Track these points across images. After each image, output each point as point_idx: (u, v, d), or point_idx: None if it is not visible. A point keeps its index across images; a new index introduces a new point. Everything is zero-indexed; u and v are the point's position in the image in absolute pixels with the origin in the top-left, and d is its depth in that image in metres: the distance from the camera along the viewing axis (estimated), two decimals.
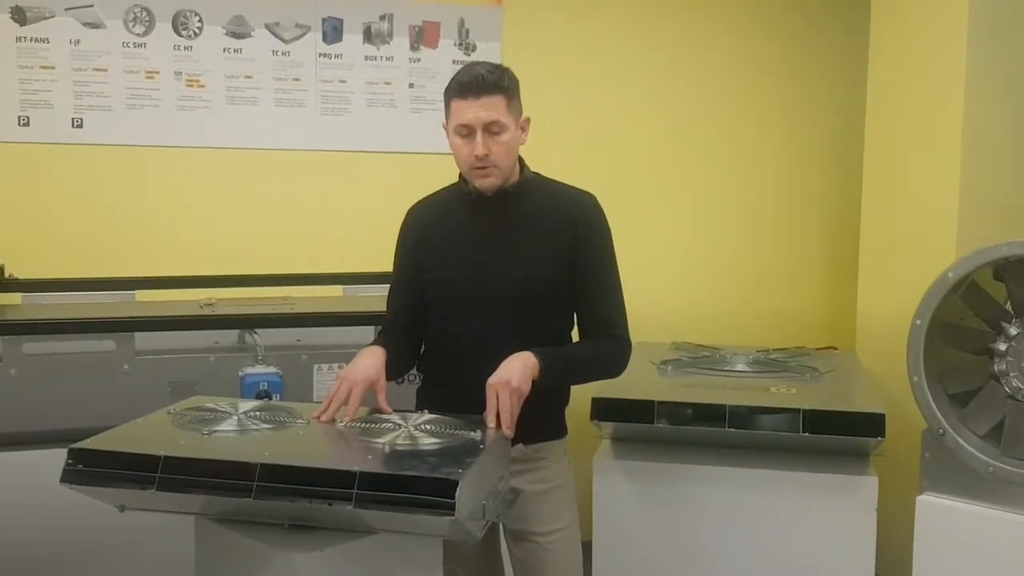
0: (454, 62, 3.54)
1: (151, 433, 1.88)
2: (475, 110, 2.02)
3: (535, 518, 2.13)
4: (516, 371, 1.95)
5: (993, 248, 2.42)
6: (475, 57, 3.55)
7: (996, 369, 2.43)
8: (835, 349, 3.54)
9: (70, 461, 1.71)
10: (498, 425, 1.92)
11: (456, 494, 1.57)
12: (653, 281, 3.73)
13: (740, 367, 3.13)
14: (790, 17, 3.89)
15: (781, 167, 3.95)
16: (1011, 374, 2.41)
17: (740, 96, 3.89)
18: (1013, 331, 2.41)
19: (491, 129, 2.03)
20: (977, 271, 2.45)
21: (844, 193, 3.85)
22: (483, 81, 2.03)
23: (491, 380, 1.95)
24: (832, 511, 2.63)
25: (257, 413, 2.00)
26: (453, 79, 2.08)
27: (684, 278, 3.86)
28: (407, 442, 1.83)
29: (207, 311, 2.87)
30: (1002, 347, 2.42)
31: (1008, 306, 2.46)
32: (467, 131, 2.04)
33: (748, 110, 3.90)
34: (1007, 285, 2.45)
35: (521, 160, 2.16)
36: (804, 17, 3.90)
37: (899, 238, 3.29)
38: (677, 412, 2.67)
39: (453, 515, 1.57)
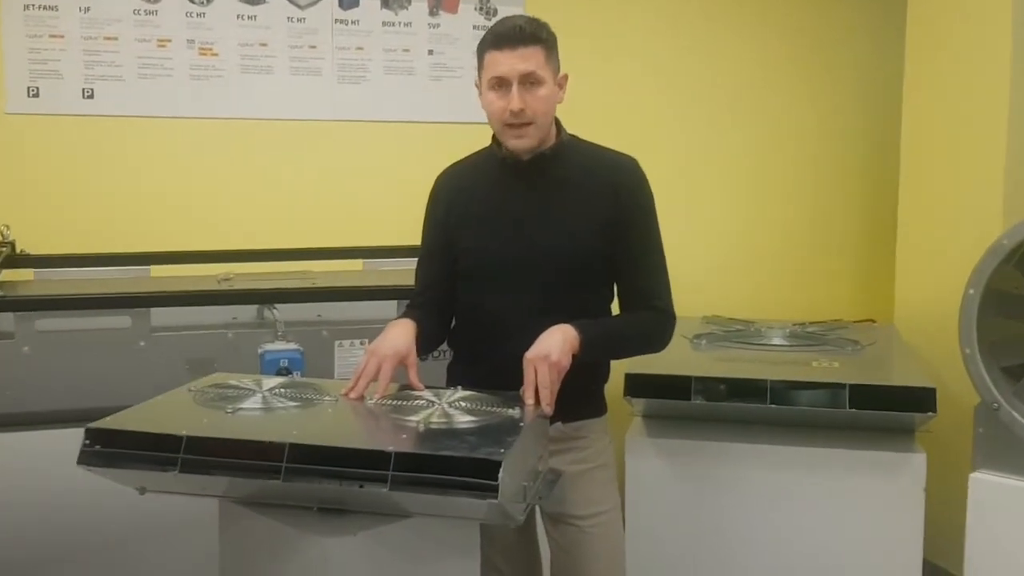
0: (475, 28, 3.42)
1: (172, 412, 1.78)
2: (512, 61, 1.91)
3: (575, 501, 2.02)
4: (555, 344, 1.85)
5: None
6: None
7: None
8: (873, 322, 3.42)
9: (87, 442, 1.61)
10: (537, 402, 1.82)
11: (499, 475, 1.47)
12: (681, 253, 3.60)
13: (777, 340, 3.03)
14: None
15: (816, 133, 3.81)
16: None
17: (776, 64, 3.76)
18: None
19: (528, 81, 1.92)
20: None
21: (881, 161, 3.71)
22: (521, 31, 1.92)
23: (529, 354, 1.84)
24: (878, 490, 2.52)
25: (282, 390, 1.90)
26: (488, 31, 1.98)
27: (711, 250, 3.74)
28: (442, 420, 1.73)
29: (224, 286, 2.82)
30: None
31: None
32: (502, 84, 1.93)
33: (783, 78, 3.77)
34: None
35: (558, 122, 2.04)
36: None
37: (940, 207, 3.17)
38: (715, 388, 2.57)
39: (496, 498, 1.47)
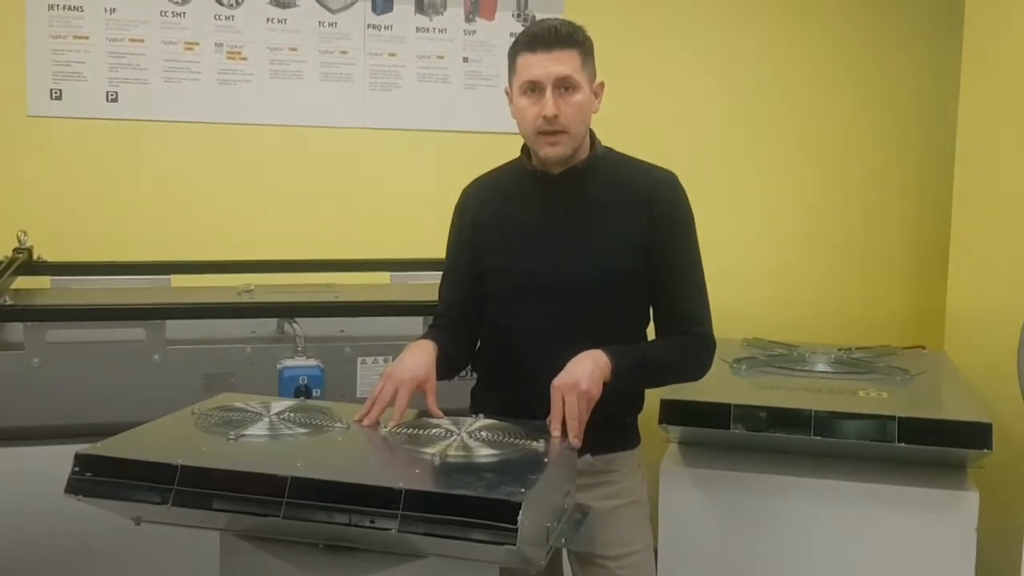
0: (512, 35, 3.28)
1: (170, 437, 1.68)
2: (546, 64, 1.81)
3: (604, 540, 1.90)
4: (585, 372, 1.73)
5: None
6: None
7: None
8: (923, 348, 3.27)
9: (76, 469, 1.51)
10: (563, 434, 1.70)
11: (519, 518, 1.34)
12: (721, 272, 3.49)
13: (821, 367, 2.88)
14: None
15: (863, 151, 3.70)
16: None
17: (822, 80, 3.66)
18: None
19: (562, 86, 1.81)
20: None
21: (933, 181, 3.59)
22: (556, 33, 1.82)
23: (557, 382, 1.72)
24: (927, 529, 2.37)
25: (291, 415, 1.79)
26: (522, 33, 1.88)
27: (755, 269, 3.63)
28: (460, 452, 1.61)
29: (244, 298, 2.77)
30: None
31: None
32: (535, 88, 1.82)
33: (831, 94, 3.67)
34: None
35: (592, 133, 1.93)
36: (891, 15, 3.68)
37: (994, 229, 3.03)
38: (755, 417, 2.43)
39: (515, 543, 1.34)
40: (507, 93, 1.91)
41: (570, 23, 1.86)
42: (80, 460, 1.51)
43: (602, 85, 1.90)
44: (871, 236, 3.72)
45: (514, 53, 1.87)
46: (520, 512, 1.35)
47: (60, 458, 2.14)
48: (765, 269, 3.66)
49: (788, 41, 3.63)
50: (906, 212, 3.71)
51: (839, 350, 3.05)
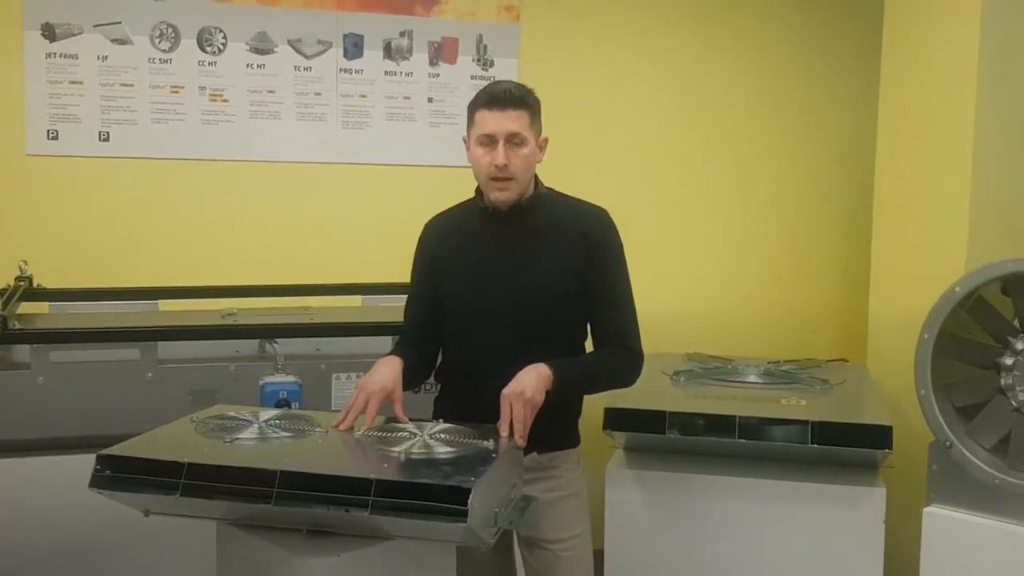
0: (472, 77, 3.61)
1: (175, 440, 1.95)
2: (500, 121, 2.10)
3: (548, 526, 2.18)
4: (530, 382, 2.01)
5: (999, 264, 2.46)
6: (493, 72, 3.62)
7: (1003, 383, 2.46)
8: (846, 361, 3.56)
9: (98, 467, 1.77)
10: (511, 435, 1.98)
11: (468, 501, 1.63)
12: (667, 291, 3.79)
13: (751, 378, 3.16)
14: (802, 21, 3.95)
15: (793, 178, 4.00)
16: (1017, 388, 2.44)
17: (753, 105, 3.94)
18: (1019, 346, 2.44)
19: (513, 140, 2.10)
20: (984, 286, 2.49)
21: (857, 202, 3.86)
22: (510, 95, 2.11)
23: (505, 391, 2.01)
24: (840, 522, 2.64)
25: (277, 421, 2.06)
26: (480, 92, 2.16)
27: (698, 289, 3.91)
28: (422, 451, 1.89)
29: (228, 321, 2.94)
30: (1008, 361, 2.45)
31: (1015, 321, 2.49)
32: (490, 140, 2.11)
33: (761, 119, 3.95)
34: (1014, 300, 2.49)
35: (536, 177, 2.22)
36: (817, 23, 3.96)
37: (909, 249, 3.30)
38: (688, 423, 2.70)
39: (466, 522, 1.62)
40: (465, 141, 2.20)
41: (522, 87, 2.16)
42: (101, 459, 1.78)
43: (546, 140, 2.20)
44: (804, 264, 4.00)
45: (473, 108, 2.16)
46: (470, 496, 1.64)
47: (64, 467, 2.40)
48: (710, 290, 3.93)
49: (718, 71, 3.90)
50: (834, 243, 4.01)
51: (770, 363, 3.33)
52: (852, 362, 3.58)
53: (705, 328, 3.84)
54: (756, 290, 3.98)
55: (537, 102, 2.16)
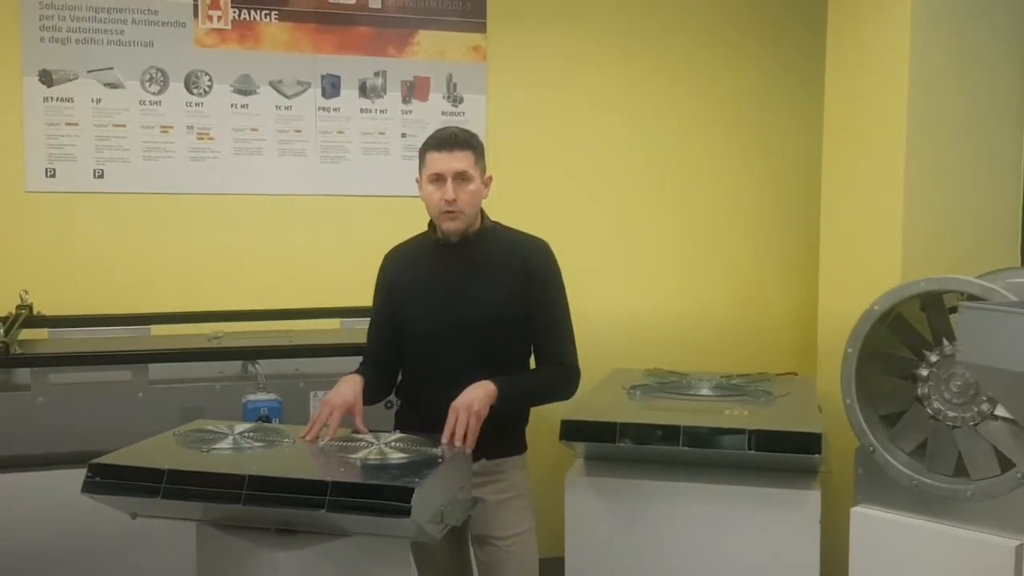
0: (443, 113, 3.83)
1: (158, 451, 2.17)
2: (448, 161, 2.34)
3: (496, 524, 2.41)
4: (476, 397, 2.25)
5: (914, 283, 2.69)
6: (463, 108, 3.85)
7: (920, 392, 2.69)
8: (795, 375, 3.76)
9: (89, 474, 2.00)
10: (451, 442, 2.20)
11: (412, 499, 1.85)
12: (633, 311, 4.00)
13: (703, 392, 3.34)
14: (751, 45, 4.13)
15: (749, 194, 4.17)
16: (932, 397, 2.66)
17: (707, 126, 4.11)
18: (933, 358, 2.66)
19: (460, 178, 2.34)
20: (901, 304, 2.72)
21: (811, 217, 3.93)
22: (456, 138, 2.36)
23: (454, 404, 2.24)
24: (780, 523, 2.82)
25: (250, 434, 2.29)
26: (429, 137, 2.41)
27: (661, 308, 4.08)
28: (378, 457, 2.12)
29: (214, 344, 3.11)
30: (924, 373, 2.67)
31: (931, 336, 2.72)
32: (439, 179, 2.35)
33: (715, 141, 4.12)
34: (928, 316, 2.71)
35: (482, 211, 2.46)
36: (765, 46, 4.14)
37: (852, 266, 3.48)
38: (638, 432, 2.86)
39: (410, 517, 1.85)
40: (417, 181, 2.44)
41: (466, 131, 2.41)
42: (92, 467, 2.01)
43: (491, 178, 2.45)
44: (760, 283, 4.19)
45: (424, 151, 2.41)
46: (413, 495, 1.86)
47: (62, 481, 2.60)
48: (672, 310, 4.10)
49: (667, 102, 4.08)
50: (788, 258, 4.18)
51: (722, 377, 3.51)
52: (804, 375, 3.77)
53: (669, 345, 4.01)
54: (715, 307, 4.14)
55: (481, 145, 2.40)
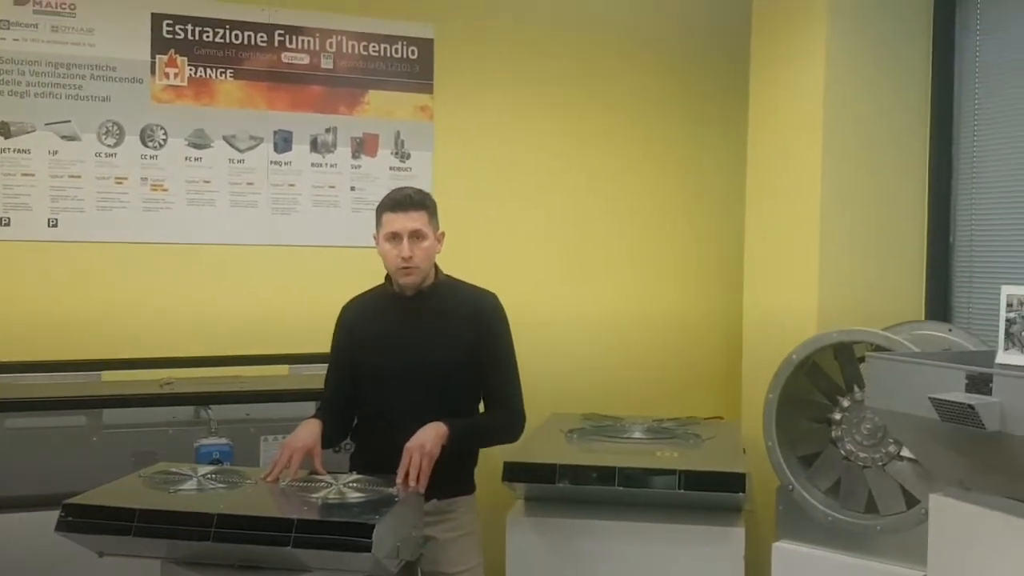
0: (391, 168, 3.99)
1: (127, 492, 2.28)
2: (403, 221, 2.52)
3: (447, 560, 2.56)
4: (429, 437, 2.41)
5: (828, 335, 2.94)
6: (409, 163, 4.01)
7: (834, 435, 2.93)
8: (721, 419, 3.97)
9: (63, 514, 2.11)
10: (405, 481, 2.34)
11: (372, 535, 2.00)
12: (570, 361, 4.19)
13: (637, 435, 3.51)
14: (680, 90, 4.37)
15: (681, 240, 4.40)
16: (845, 439, 2.90)
17: (642, 190, 4.35)
18: (846, 403, 2.91)
19: (415, 236, 2.52)
20: (817, 353, 2.96)
21: (734, 280, 4.18)
22: (411, 199, 2.54)
23: (408, 444, 2.40)
24: (708, 559, 2.97)
25: (214, 475, 2.41)
26: (385, 197, 2.58)
27: (595, 358, 4.27)
28: (336, 497, 2.26)
29: (167, 389, 3.18)
30: (838, 417, 2.92)
31: (843, 383, 2.96)
32: (396, 237, 2.53)
33: (649, 202, 4.36)
34: (840, 365, 2.96)
35: (436, 266, 2.64)
36: (695, 92, 4.38)
37: (772, 315, 3.72)
38: (576, 473, 3.00)
39: (371, 552, 1.99)
40: (375, 238, 2.62)
41: (421, 191, 2.59)
42: (66, 508, 2.11)
43: (443, 234, 2.63)
44: (688, 332, 4.41)
45: (381, 211, 2.58)
46: (374, 531, 2.01)
47: (20, 524, 2.66)
48: (608, 358, 4.29)
49: (612, 154, 4.29)
50: (712, 310, 4.41)
51: (654, 421, 3.71)
52: (728, 419, 3.99)
53: (604, 392, 4.18)
54: (648, 357, 4.34)
55: (434, 204, 2.59)
